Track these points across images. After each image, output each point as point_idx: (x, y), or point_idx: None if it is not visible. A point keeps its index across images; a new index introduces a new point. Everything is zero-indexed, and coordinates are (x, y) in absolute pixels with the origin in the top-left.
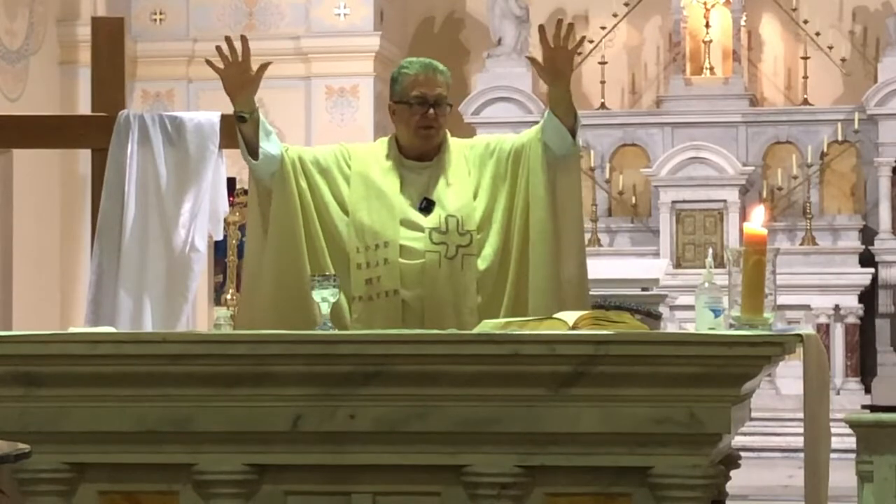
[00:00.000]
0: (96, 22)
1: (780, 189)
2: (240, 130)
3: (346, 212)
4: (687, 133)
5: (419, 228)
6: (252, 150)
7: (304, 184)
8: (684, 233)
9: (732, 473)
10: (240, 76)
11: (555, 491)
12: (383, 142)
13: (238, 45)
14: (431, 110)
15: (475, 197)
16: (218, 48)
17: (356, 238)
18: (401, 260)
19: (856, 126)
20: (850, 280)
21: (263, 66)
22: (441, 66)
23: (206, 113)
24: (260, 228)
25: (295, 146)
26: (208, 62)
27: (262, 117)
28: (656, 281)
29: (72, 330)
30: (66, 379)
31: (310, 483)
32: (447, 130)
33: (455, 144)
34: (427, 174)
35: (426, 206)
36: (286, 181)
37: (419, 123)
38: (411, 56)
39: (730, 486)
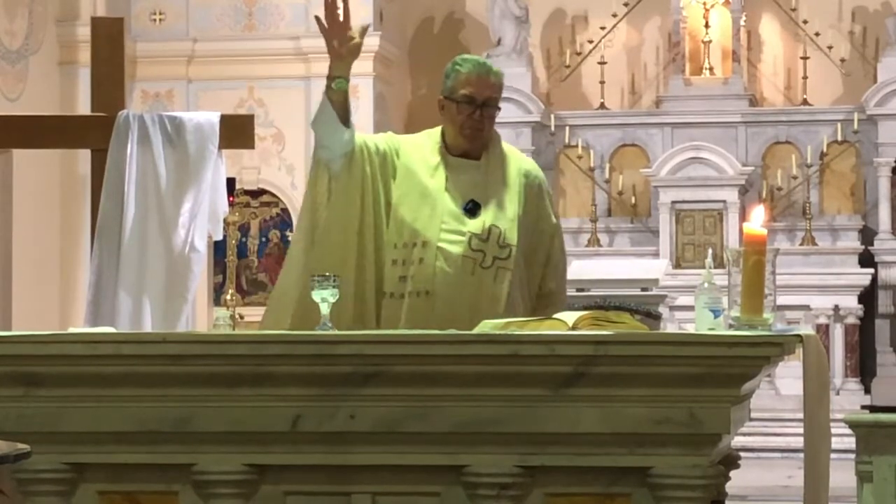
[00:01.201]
0: (96, 22)
1: (779, 189)
2: (329, 100)
3: (389, 204)
4: (686, 133)
5: (459, 232)
6: (343, 120)
7: (368, 170)
8: (684, 233)
9: (732, 473)
10: (343, 38)
11: (555, 491)
12: (431, 135)
13: (340, 5)
14: (478, 112)
15: (517, 220)
16: (327, 3)
17: (395, 233)
18: (436, 262)
19: (855, 126)
20: (850, 280)
21: (364, 29)
22: (494, 68)
23: (205, 113)
24: (308, 231)
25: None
26: (317, 18)
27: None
28: (656, 281)
29: (71, 330)
30: (66, 379)
31: (309, 483)
32: (498, 133)
33: (514, 155)
34: (474, 174)
35: (472, 209)
36: (355, 165)
37: (464, 123)
38: (411, 56)
39: (729, 487)
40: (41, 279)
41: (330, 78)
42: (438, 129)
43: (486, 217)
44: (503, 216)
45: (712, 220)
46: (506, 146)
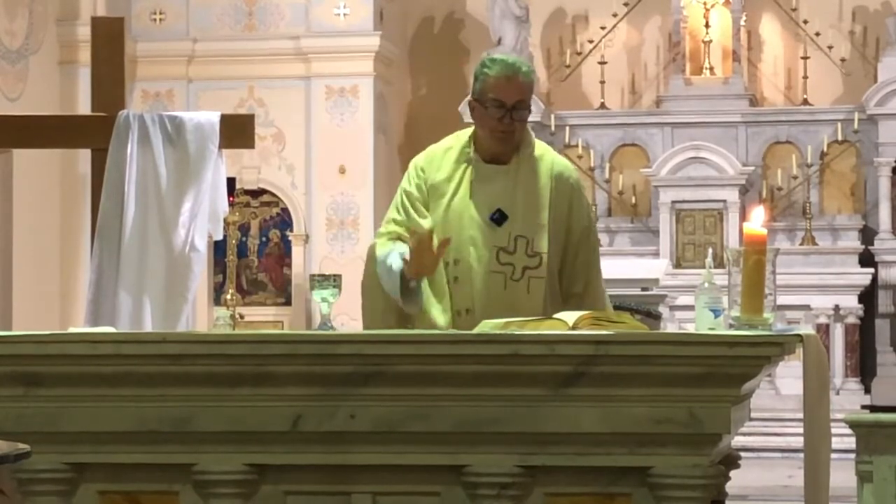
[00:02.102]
0: (96, 22)
1: (779, 189)
2: (401, 282)
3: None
4: (687, 133)
5: (487, 246)
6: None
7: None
8: (684, 233)
9: (732, 473)
10: (429, 263)
11: (555, 491)
12: (460, 137)
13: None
14: (507, 117)
15: (546, 225)
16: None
17: None
18: (470, 279)
19: (855, 126)
20: (850, 280)
21: (445, 241)
22: (524, 68)
23: (205, 113)
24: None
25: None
26: (407, 253)
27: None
28: (656, 281)
29: (72, 330)
30: (66, 379)
31: (310, 483)
32: (531, 133)
33: (547, 156)
34: (502, 180)
35: (498, 218)
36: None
37: (494, 127)
38: (411, 56)
39: (730, 486)
40: (41, 279)
41: (404, 279)
42: (469, 131)
43: (512, 226)
44: (532, 222)
45: (712, 219)
46: (540, 146)
